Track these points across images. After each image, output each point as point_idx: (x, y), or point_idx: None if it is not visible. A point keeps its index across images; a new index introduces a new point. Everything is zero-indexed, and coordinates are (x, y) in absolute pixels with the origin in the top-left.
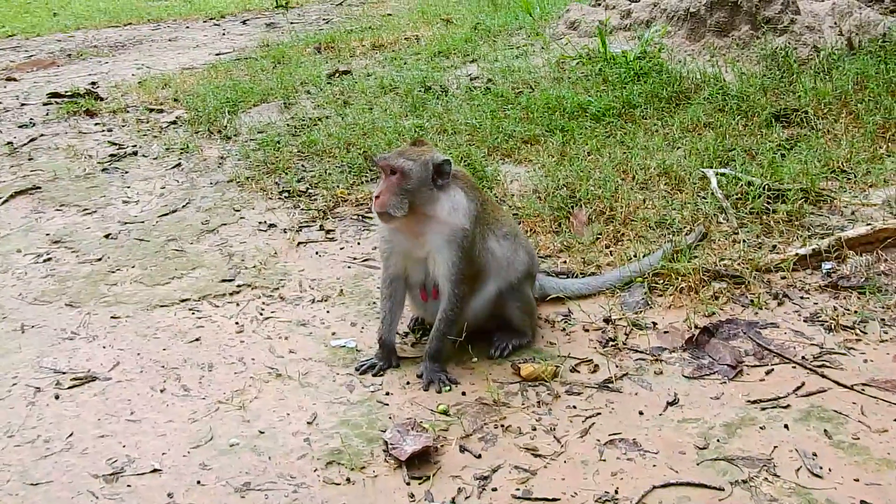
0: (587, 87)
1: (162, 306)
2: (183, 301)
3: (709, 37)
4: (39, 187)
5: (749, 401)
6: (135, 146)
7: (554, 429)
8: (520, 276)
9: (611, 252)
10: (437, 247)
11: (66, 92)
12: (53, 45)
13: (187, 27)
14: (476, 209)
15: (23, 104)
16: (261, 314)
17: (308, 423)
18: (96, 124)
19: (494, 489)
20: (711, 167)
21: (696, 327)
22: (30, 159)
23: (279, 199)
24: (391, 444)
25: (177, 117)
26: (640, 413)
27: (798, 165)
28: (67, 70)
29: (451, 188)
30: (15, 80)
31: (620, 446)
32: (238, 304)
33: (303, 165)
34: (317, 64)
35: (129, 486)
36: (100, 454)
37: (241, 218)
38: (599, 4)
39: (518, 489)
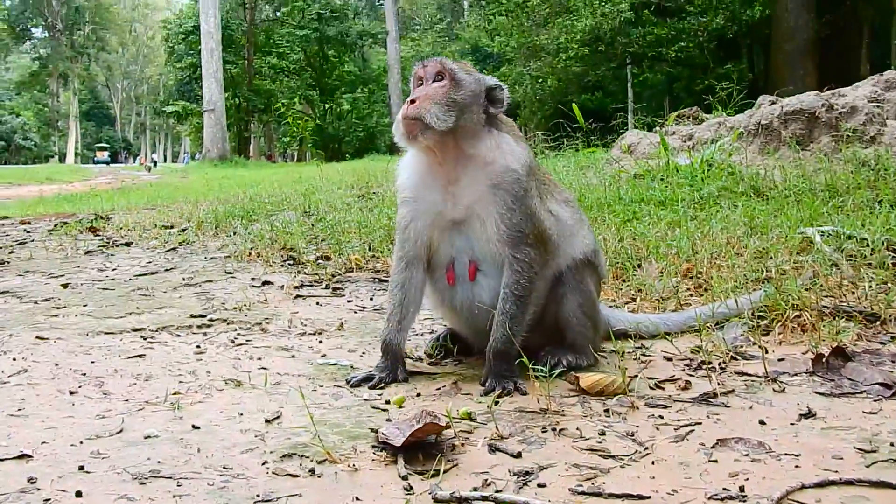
0: (649, 187)
1: (108, 333)
2: (136, 330)
3: (784, 150)
4: (8, 261)
5: None
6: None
7: (632, 435)
8: (585, 257)
9: (691, 299)
10: (481, 196)
11: None
12: None
13: None
14: (529, 157)
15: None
16: (232, 342)
17: (267, 421)
18: None
19: (542, 485)
20: (811, 227)
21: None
22: (11, 252)
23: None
24: (384, 433)
25: None
26: (762, 423)
27: None
28: None
29: (497, 129)
30: None
31: (739, 448)
32: (205, 335)
33: None
34: None
35: None
36: None
37: (233, 277)
38: (654, 130)
39: (580, 485)
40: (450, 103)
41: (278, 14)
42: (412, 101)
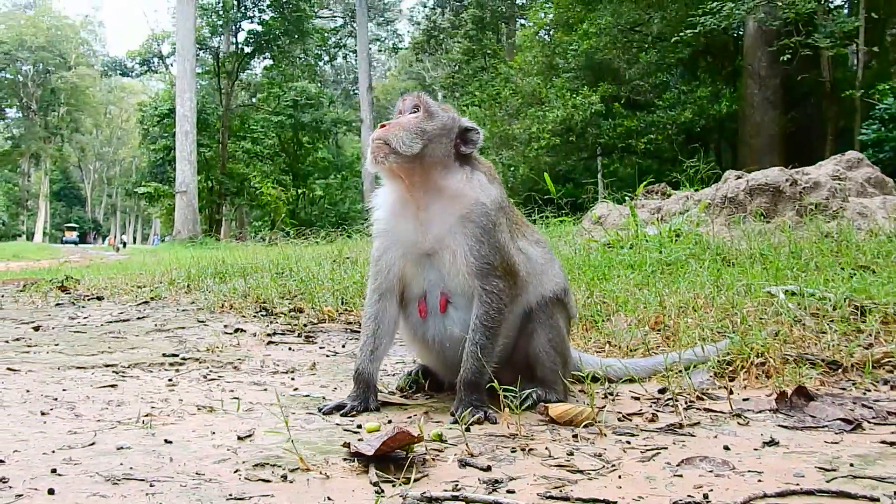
0: (619, 254)
1: (79, 368)
2: (108, 366)
3: (749, 222)
4: None
5: (886, 442)
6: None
7: (600, 455)
8: (555, 295)
9: (659, 350)
10: (451, 228)
11: None
12: None
13: None
14: (500, 195)
15: None
16: (204, 377)
17: (239, 438)
18: None
19: (511, 491)
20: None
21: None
22: None
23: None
24: (355, 445)
25: None
26: (726, 448)
27: (886, 286)
28: None
29: (471, 167)
30: None
31: (703, 465)
32: (178, 371)
33: None
34: None
35: None
36: None
37: (205, 325)
38: (623, 203)
39: (549, 492)
40: (418, 132)
41: (254, 100)
42: (383, 126)
